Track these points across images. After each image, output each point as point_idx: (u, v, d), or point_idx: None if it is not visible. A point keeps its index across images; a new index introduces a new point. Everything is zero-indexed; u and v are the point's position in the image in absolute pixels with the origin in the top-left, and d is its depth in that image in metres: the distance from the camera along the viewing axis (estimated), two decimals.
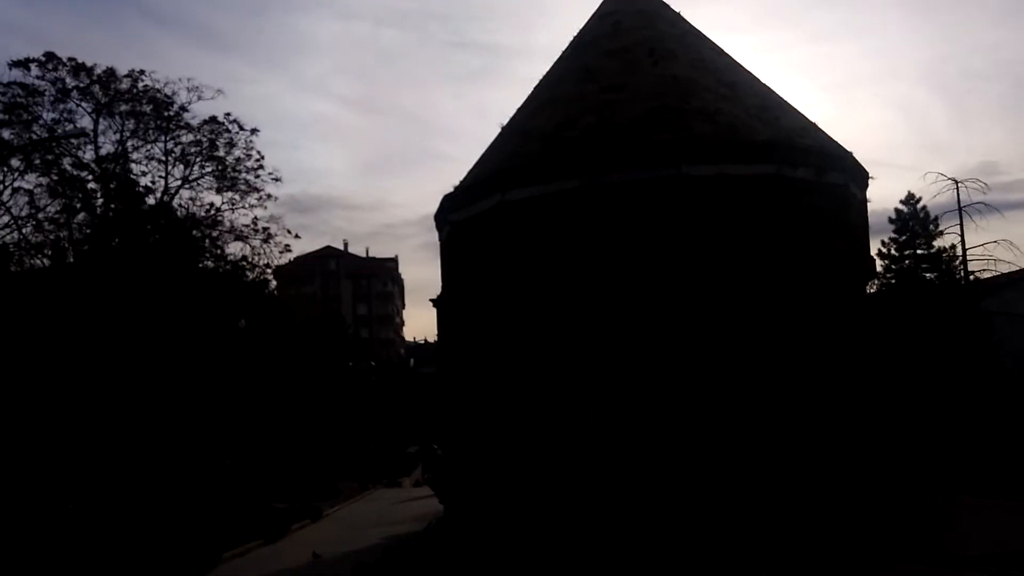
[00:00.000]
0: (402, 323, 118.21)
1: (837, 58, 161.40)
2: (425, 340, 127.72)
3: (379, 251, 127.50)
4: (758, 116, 18.87)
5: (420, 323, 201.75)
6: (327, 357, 34.91)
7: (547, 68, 22.00)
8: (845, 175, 19.06)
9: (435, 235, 21.27)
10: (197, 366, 21.51)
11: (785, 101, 20.17)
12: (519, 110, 21.70)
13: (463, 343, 20.20)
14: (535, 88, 21.79)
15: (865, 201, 20.95)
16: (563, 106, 19.48)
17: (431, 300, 22.37)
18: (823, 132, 19.72)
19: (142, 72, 23.93)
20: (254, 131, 21.74)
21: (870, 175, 20.32)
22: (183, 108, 20.92)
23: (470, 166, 21.12)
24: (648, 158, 17.44)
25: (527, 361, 17.91)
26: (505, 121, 22.32)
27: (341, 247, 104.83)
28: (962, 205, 30.59)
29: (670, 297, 16.97)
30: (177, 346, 21.08)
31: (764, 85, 20.42)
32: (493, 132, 21.23)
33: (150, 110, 20.70)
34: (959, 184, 30.57)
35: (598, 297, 17.32)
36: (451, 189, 20.44)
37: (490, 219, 19.02)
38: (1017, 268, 31.70)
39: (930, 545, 13.71)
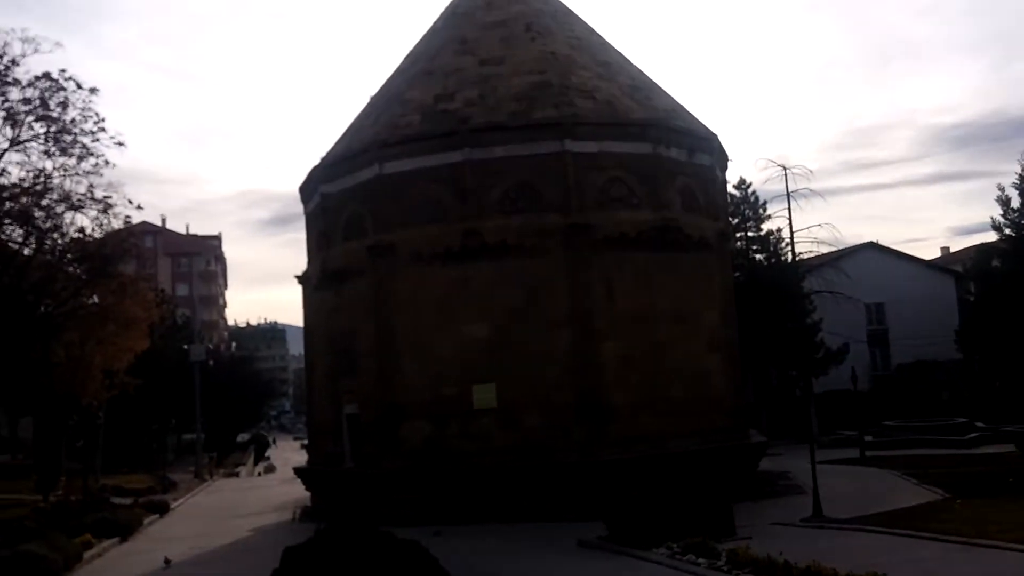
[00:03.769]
0: (225, 305, 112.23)
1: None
2: (248, 323, 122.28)
3: (195, 228, 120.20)
4: (632, 96, 19.18)
5: (239, 306, 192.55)
6: (164, 341, 32.35)
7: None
8: (712, 157, 19.79)
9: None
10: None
11: (654, 82, 20.61)
12: (390, 80, 20.88)
13: (336, 322, 19.27)
14: (406, 59, 21.03)
15: (725, 182, 21.96)
16: (441, 78, 18.91)
17: (296, 277, 21.09)
18: (691, 114, 20.33)
19: None
20: (93, 90, 19.34)
21: (730, 159, 21.27)
22: (14, 61, 18.27)
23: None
24: (534, 133, 17.34)
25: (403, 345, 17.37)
26: (372, 92, 21.52)
27: (158, 223, 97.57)
28: (790, 191, 32.52)
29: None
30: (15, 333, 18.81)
31: (634, 66, 20.76)
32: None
33: None
34: (787, 171, 32.46)
35: (479, 272, 17.06)
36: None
37: (367, 190, 18.23)
38: (835, 249, 34.29)
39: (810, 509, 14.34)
